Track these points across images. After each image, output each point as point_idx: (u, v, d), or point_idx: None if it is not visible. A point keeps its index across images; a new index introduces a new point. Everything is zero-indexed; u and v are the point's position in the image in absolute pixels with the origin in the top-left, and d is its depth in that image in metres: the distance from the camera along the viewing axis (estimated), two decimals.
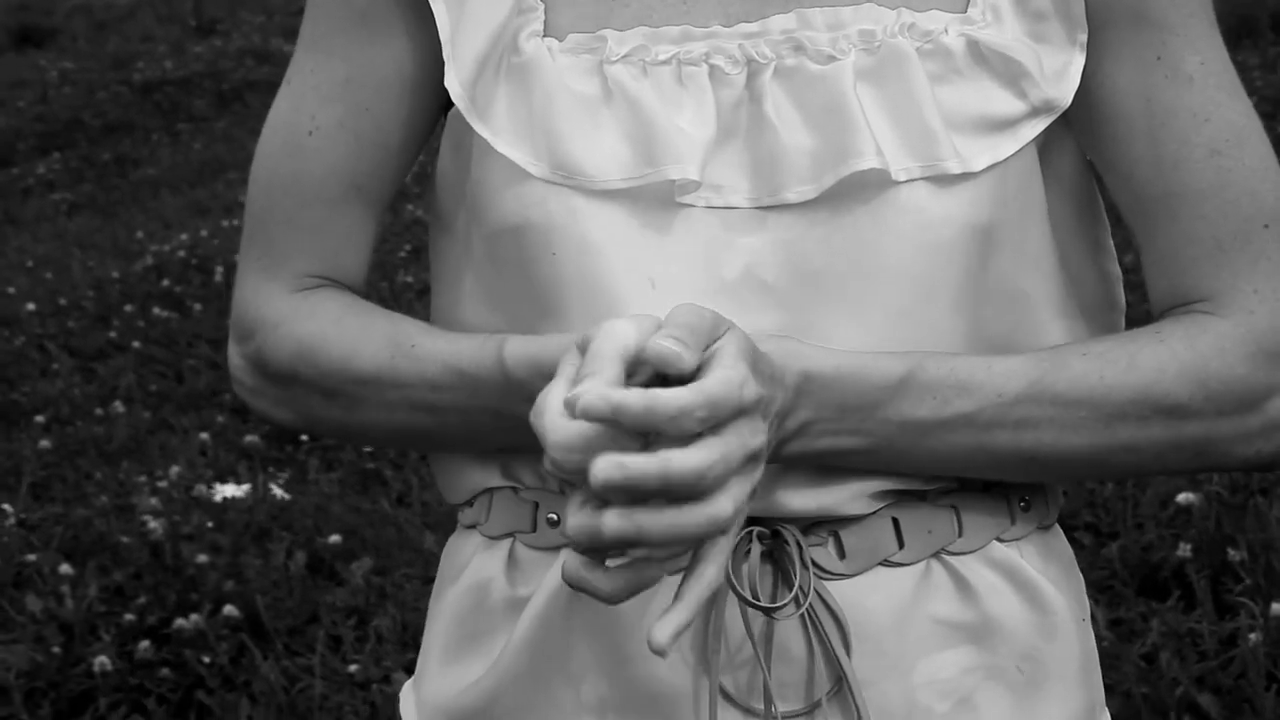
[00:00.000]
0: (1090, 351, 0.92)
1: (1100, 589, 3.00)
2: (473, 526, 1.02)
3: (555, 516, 0.96)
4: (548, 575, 0.96)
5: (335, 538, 3.64)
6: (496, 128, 0.94)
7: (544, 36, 0.95)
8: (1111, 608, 2.92)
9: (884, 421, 0.89)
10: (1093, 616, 2.79)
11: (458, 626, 1.01)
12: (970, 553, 0.95)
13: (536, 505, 0.97)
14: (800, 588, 0.91)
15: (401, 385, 0.95)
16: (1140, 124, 0.95)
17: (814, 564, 0.92)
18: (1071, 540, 3.43)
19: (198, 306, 6.39)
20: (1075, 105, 0.97)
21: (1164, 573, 3.03)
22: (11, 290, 7.23)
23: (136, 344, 5.93)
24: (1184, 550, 3.01)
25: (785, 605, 0.91)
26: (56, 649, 3.19)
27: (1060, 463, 0.92)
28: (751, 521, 0.93)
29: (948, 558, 0.95)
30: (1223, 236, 0.93)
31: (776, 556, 0.93)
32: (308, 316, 1.00)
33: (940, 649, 0.94)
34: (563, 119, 0.92)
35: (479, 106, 0.95)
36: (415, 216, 7.36)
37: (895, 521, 0.94)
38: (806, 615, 0.92)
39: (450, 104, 1.01)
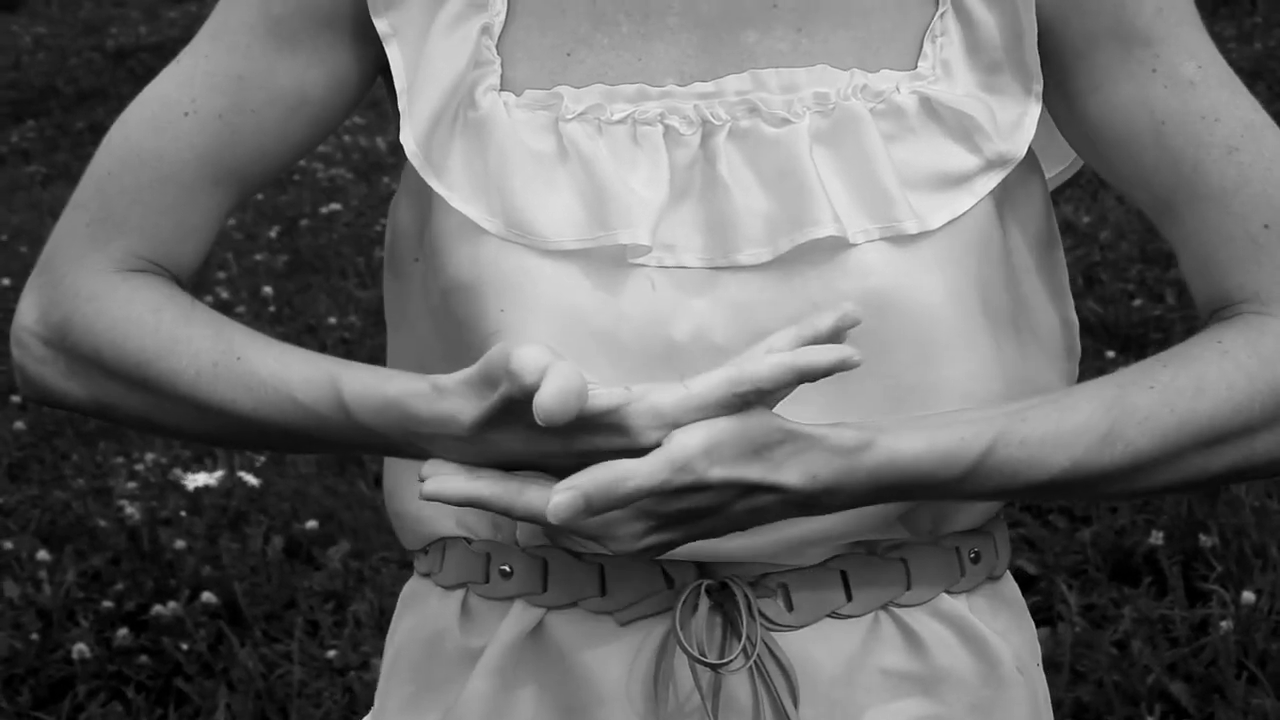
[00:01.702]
0: (1157, 383, 0.90)
1: (1073, 574, 3.01)
2: (428, 575, 1.02)
3: (508, 568, 0.97)
4: (501, 626, 0.96)
5: (312, 523, 3.64)
6: (451, 183, 0.94)
7: (500, 91, 0.95)
8: (1084, 593, 2.93)
9: (944, 496, 0.89)
10: (1065, 602, 2.83)
11: (413, 675, 1.01)
12: (918, 605, 0.95)
13: (489, 557, 0.98)
14: (748, 639, 0.91)
15: (222, 394, 0.94)
16: (1150, 138, 0.94)
17: (762, 615, 0.93)
18: (1045, 524, 3.42)
19: None
20: (1080, 138, 0.97)
21: (1136, 559, 3.04)
22: None
23: None
24: (1156, 537, 3.02)
25: (733, 660, 0.91)
26: (35, 635, 3.19)
27: (1129, 496, 0.92)
28: (700, 573, 0.94)
29: (896, 610, 0.95)
30: (1255, 232, 0.92)
31: (725, 608, 0.93)
32: (125, 299, 0.97)
33: (889, 700, 0.95)
34: (517, 176, 0.92)
35: (434, 161, 0.95)
36: (392, 190, 7.32)
37: (844, 574, 0.94)
38: (754, 667, 0.92)
39: (339, 125, 1.02)
